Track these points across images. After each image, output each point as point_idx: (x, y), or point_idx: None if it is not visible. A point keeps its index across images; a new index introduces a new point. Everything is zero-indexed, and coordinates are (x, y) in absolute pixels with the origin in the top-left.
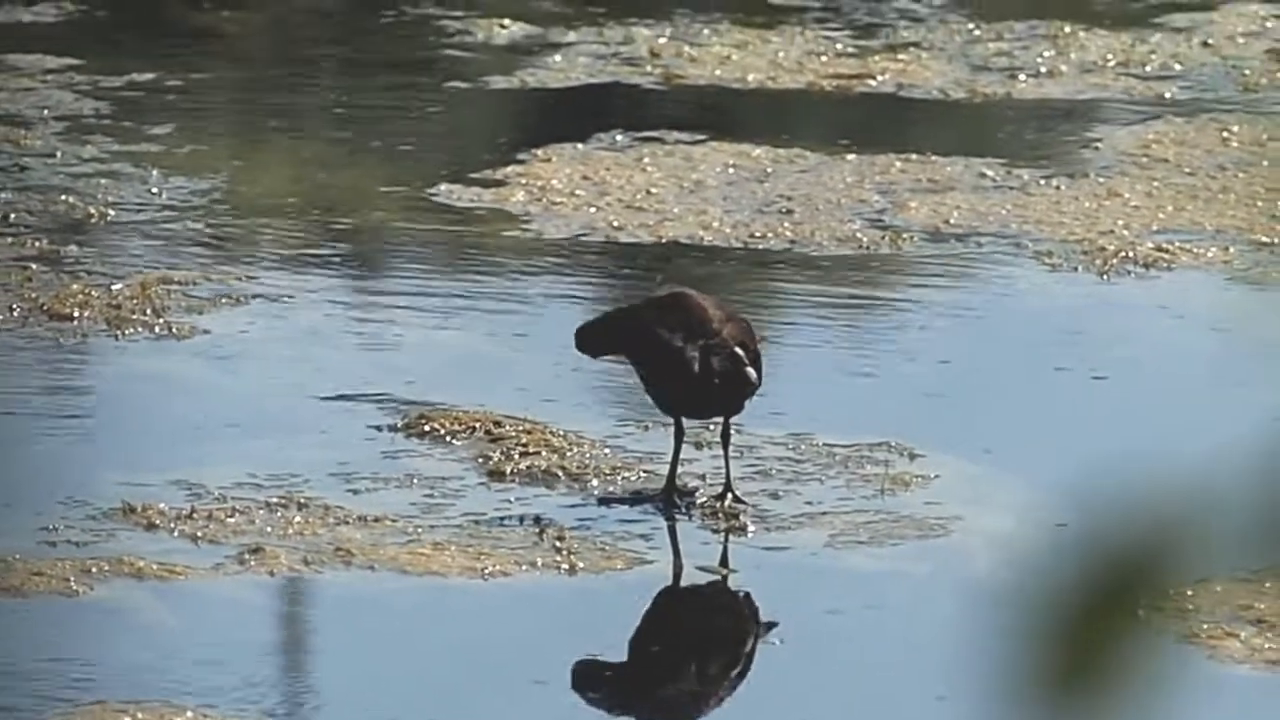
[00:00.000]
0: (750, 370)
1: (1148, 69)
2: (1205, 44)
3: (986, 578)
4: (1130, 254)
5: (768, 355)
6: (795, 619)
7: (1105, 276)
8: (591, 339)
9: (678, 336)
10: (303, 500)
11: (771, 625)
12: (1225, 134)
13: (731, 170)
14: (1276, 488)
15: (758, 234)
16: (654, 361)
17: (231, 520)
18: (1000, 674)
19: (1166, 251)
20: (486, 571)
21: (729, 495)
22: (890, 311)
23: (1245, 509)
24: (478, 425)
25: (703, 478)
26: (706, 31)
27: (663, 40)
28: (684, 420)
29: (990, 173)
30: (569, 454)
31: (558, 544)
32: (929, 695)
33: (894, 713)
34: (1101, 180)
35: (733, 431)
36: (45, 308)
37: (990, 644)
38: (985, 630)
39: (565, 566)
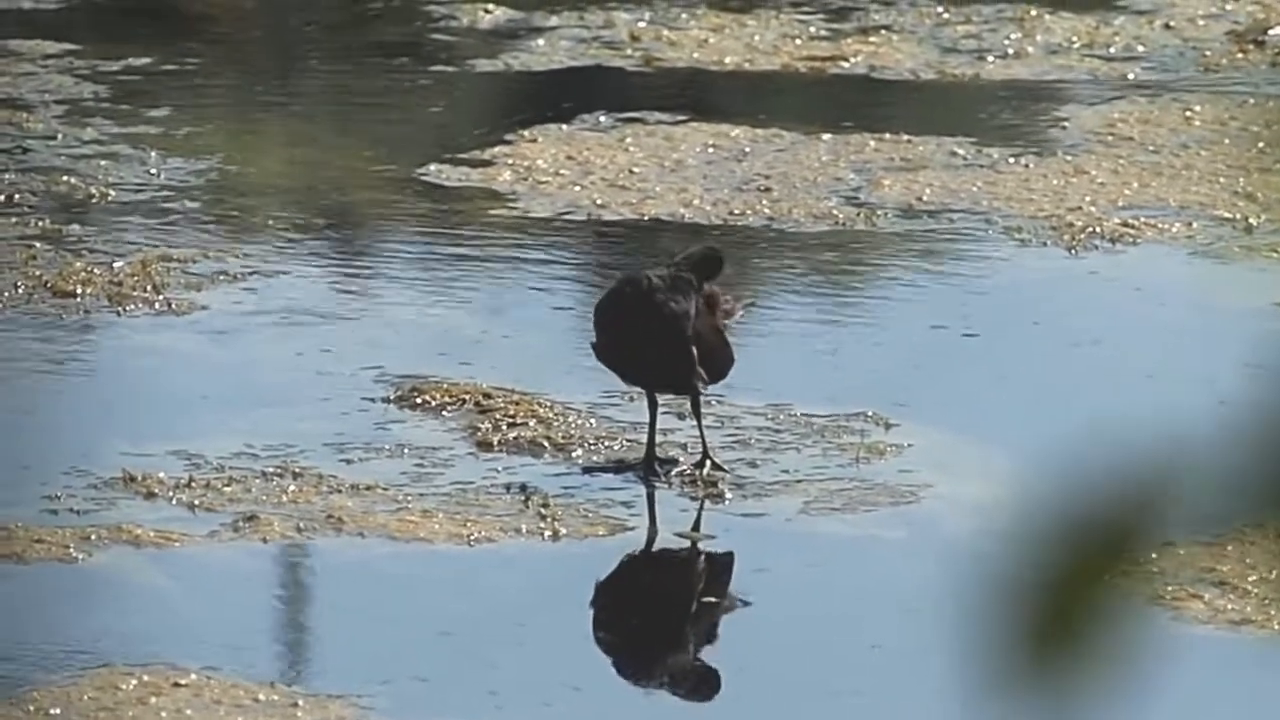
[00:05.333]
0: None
1: (1112, 50)
2: (1167, 26)
3: (956, 542)
4: (1097, 229)
5: (749, 328)
6: (768, 582)
7: (1073, 251)
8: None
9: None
10: (297, 469)
11: (742, 587)
12: (1188, 113)
13: (711, 150)
14: (1239, 455)
15: (737, 211)
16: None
17: (228, 489)
18: (973, 636)
19: (1132, 227)
20: (473, 538)
21: (708, 463)
22: (865, 285)
23: (1210, 476)
24: (467, 397)
25: (684, 447)
26: (684, 15)
27: (642, 24)
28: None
29: (961, 151)
30: (555, 424)
31: (542, 511)
32: (864, 645)
33: (832, 665)
34: (1069, 158)
35: (702, 401)
36: (49, 285)
37: (961, 605)
38: (956, 592)
39: (549, 533)
